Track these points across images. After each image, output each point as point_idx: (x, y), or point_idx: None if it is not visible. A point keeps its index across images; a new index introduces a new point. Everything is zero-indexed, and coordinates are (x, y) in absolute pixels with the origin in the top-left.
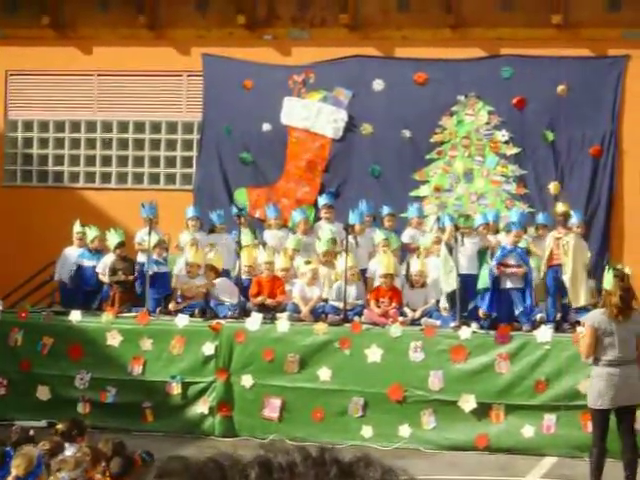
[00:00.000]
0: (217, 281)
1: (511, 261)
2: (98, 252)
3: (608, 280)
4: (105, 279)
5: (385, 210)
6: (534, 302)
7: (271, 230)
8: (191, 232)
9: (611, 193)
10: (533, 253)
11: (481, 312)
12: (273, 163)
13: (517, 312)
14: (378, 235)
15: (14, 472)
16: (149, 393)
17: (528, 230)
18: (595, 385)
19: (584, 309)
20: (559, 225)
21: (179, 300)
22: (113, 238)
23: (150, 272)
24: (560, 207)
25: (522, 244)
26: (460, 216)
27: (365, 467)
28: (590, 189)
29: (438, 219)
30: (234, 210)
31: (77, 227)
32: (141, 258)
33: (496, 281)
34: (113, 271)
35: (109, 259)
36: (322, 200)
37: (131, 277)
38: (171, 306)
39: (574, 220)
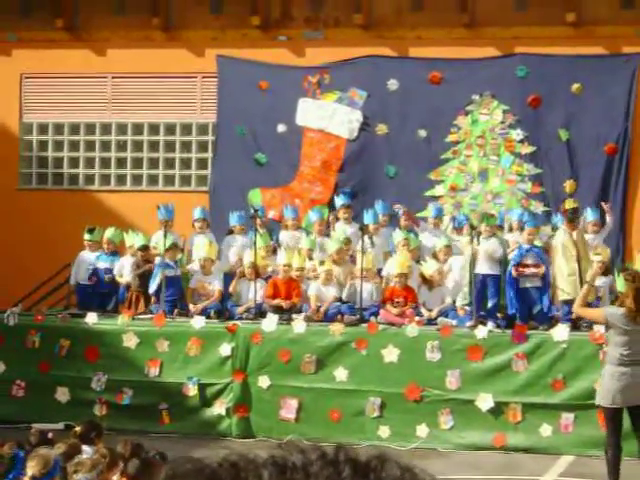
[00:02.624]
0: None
1: (529, 261)
2: (114, 254)
3: (620, 283)
4: (122, 280)
5: (402, 210)
6: (552, 301)
7: (288, 231)
8: (197, 233)
9: (625, 191)
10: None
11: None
12: (288, 164)
13: (535, 311)
14: (397, 235)
15: (30, 472)
16: (166, 395)
17: (543, 229)
18: (605, 383)
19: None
20: (567, 222)
21: (196, 299)
22: (131, 240)
23: (161, 276)
24: (569, 204)
25: (537, 242)
26: (484, 216)
27: (381, 466)
28: (604, 187)
29: (453, 219)
30: (250, 211)
31: (87, 235)
32: (156, 261)
33: (515, 280)
34: (137, 267)
35: (126, 261)
36: (339, 200)
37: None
38: (193, 308)
39: (590, 217)
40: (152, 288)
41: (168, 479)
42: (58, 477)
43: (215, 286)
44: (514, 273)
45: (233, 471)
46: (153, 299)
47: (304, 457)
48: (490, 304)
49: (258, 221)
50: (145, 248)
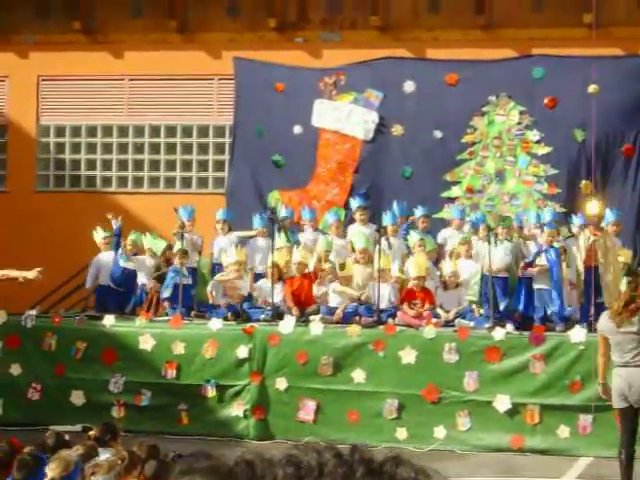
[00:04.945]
0: (258, 284)
1: (542, 261)
2: (135, 255)
3: (623, 284)
4: (145, 280)
5: (420, 211)
6: (565, 302)
7: (306, 232)
8: (220, 235)
9: None
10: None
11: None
12: (304, 165)
13: (549, 312)
14: (413, 237)
15: (50, 474)
16: (184, 396)
17: (561, 231)
18: (616, 384)
19: None
20: (592, 225)
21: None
22: (149, 243)
23: (172, 282)
24: (594, 208)
25: (555, 244)
26: (500, 218)
27: (395, 467)
28: (622, 188)
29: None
30: (268, 213)
31: (100, 234)
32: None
33: (527, 281)
34: (157, 269)
35: (146, 263)
36: (355, 202)
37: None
38: (211, 300)
39: (610, 218)
40: (164, 294)
41: (183, 474)
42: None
43: (242, 290)
44: (519, 272)
45: (249, 470)
46: (166, 304)
47: (319, 457)
48: (502, 306)
49: (281, 222)
50: (170, 249)
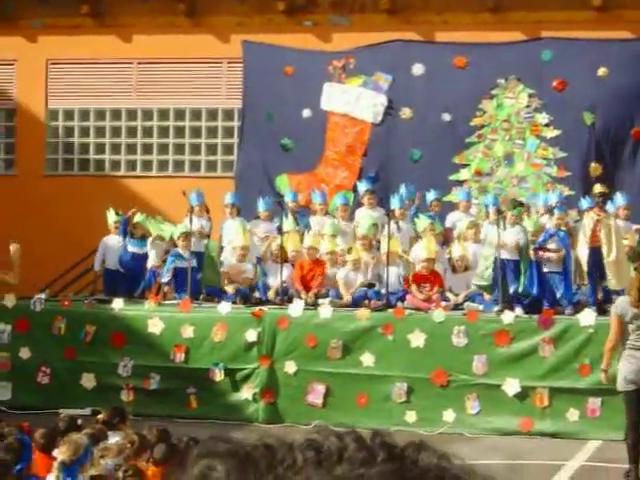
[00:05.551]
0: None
1: (551, 245)
2: (143, 238)
3: (630, 270)
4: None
5: (431, 195)
6: (574, 285)
7: (316, 216)
8: (228, 219)
9: None
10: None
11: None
12: (313, 149)
13: (558, 295)
14: (423, 220)
15: (60, 457)
16: (193, 380)
17: (570, 213)
18: (622, 368)
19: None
20: (597, 206)
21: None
22: (158, 228)
23: (172, 266)
24: (598, 188)
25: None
26: (513, 204)
27: (417, 452)
28: (631, 171)
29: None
30: (276, 197)
31: (112, 216)
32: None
33: (537, 264)
34: (167, 253)
35: (155, 246)
36: (363, 186)
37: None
38: (229, 289)
39: (620, 202)
40: (164, 278)
41: (201, 457)
42: (88, 464)
43: (249, 273)
44: (533, 256)
45: (268, 453)
46: (166, 288)
47: (339, 441)
48: (512, 289)
49: (287, 206)
50: (186, 234)
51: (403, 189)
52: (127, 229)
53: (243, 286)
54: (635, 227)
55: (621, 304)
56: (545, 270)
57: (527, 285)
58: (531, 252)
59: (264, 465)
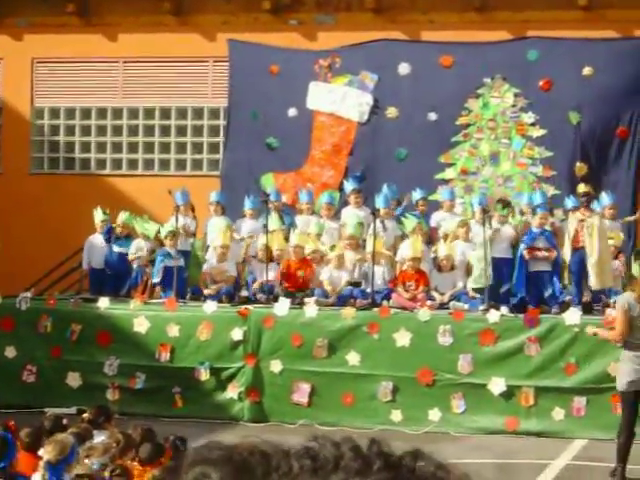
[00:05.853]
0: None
1: (540, 244)
2: (127, 237)
3: (635, 267)
4: (136, 262)
5: (417, 194)
6: (562, 285)
7: (303, 215)
8: (213, 217)
9: (637, 174)
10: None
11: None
12: (299, 148)
13: (546, 295)
14: (412, 219)
15: (45, 457)
16: (178, 379)
17: (555, 213)
18: (623, 368)
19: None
20: (582, 206)
21: (210, 284)
22: (142, 227)
23: (162, 265)
24: (582, 188)
25: (547, 227)
26: (500, 205)
27: (414, 461)
28: (617, 170)
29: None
30: (262, 196)
31: (100, 215)
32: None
33: (525, 264)
34: (152, 252)
35: (140, 244)
36: (349, 185)
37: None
38: (207, 291)
39: (606, 201)
40: (154, 279)
41: (195, 464)
42: (74, 463)
43: (231, 272)
44: (526, 255)
45: (263, 461)
46: (157, 289)
47: (336, 449)
48: (504, 288)
49: (271, 205)
50: (173, 233)
51: (386, 189)
52: (111, 237)
53: (227, 284)
54: (621, 221)
55: (627, 299)
56: (534, 269)
57: (515, 285)
58: (525, 252)
59: (259, 472)
